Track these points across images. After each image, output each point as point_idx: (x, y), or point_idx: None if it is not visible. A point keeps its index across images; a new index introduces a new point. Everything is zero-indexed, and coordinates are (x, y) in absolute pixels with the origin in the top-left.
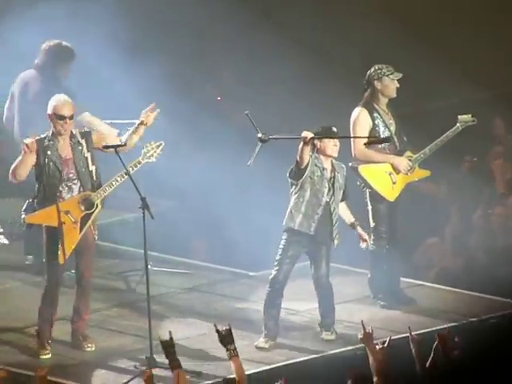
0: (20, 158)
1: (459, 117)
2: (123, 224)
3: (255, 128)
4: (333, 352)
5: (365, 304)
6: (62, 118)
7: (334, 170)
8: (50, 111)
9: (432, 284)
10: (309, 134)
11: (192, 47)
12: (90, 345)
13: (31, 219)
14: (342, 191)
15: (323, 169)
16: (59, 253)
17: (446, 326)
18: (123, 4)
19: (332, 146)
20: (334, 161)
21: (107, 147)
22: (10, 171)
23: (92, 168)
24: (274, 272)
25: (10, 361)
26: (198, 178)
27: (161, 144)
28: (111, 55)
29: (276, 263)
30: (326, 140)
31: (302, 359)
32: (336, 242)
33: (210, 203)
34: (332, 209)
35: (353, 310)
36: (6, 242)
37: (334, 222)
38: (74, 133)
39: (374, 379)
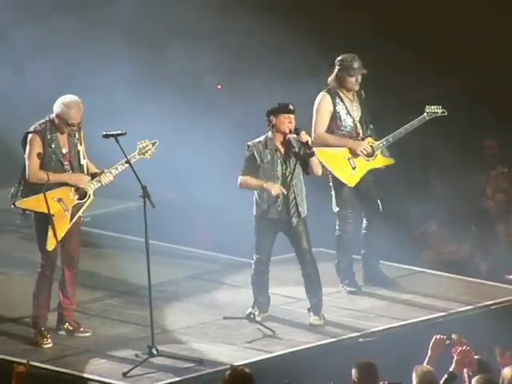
0: (32, 157)
1: (427, 106)
2: (125, 213)
3: None
4: (334, 340)
5: (365, 291)
6: (73, 125)
7: (289, 146)
8: (59, 113)
9: (432, 271)
10: None
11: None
12: (87, 329)
13: (22, 204)
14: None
15: (275, 150)
16: (48, 239)
17: (446, 312)
18: None
19: (287, 123)
20: (292, 137)
21: (107, 136)
22: (33, 174)
23: (83, 162)
24: (256, 256)
25: (11, 350)
26: (199, 167)
27: (155, 142)
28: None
29: (256, 249)
30: (281, 117)
31: (302, 347)
32: (297, 218)
33: (211, 192)
34: (291, 185)
35: (353, 298)
36: None
37: (291, 200)
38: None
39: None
